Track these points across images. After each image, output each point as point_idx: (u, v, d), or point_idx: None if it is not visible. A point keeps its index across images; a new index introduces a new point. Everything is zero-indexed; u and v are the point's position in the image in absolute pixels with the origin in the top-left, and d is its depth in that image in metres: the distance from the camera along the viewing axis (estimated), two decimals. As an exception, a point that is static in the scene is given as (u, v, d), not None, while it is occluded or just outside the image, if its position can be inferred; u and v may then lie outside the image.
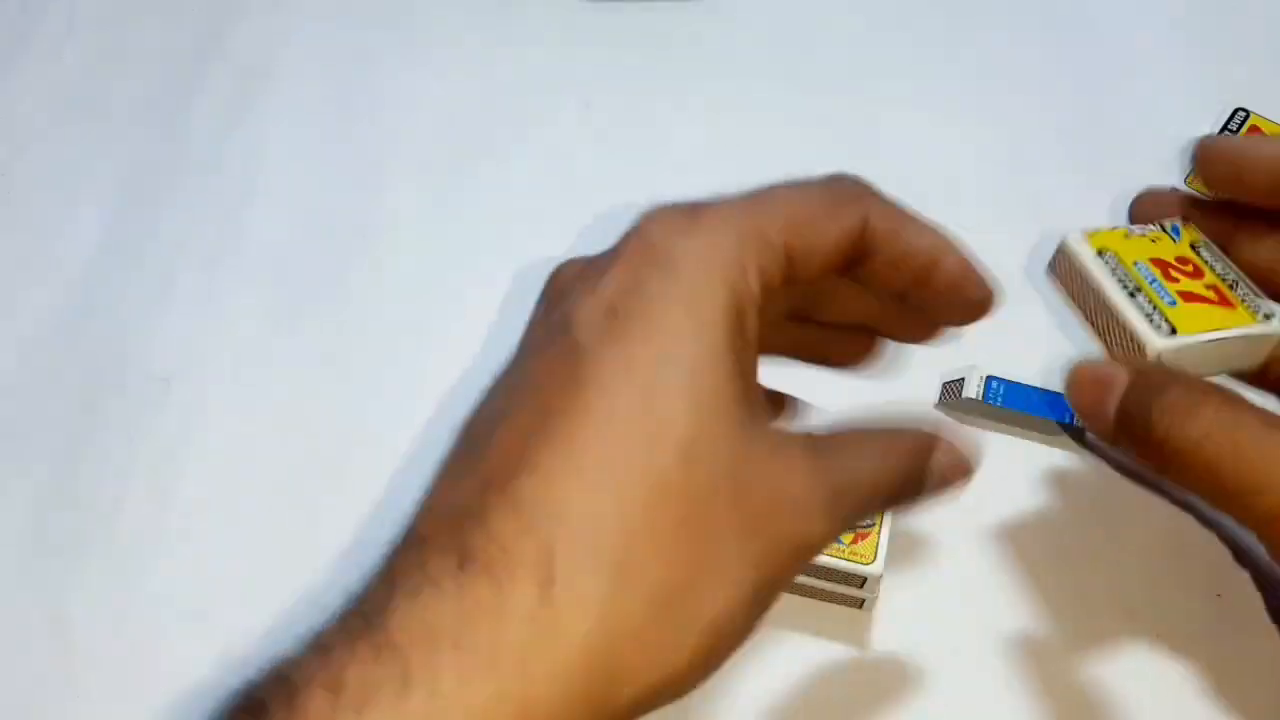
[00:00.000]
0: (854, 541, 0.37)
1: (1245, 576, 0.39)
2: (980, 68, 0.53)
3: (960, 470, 0.30)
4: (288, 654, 0.25)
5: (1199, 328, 0.32)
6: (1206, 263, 0.34)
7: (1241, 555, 0.39)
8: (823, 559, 0.36)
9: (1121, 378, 0.31)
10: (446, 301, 0.47)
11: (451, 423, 0.28)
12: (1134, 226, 0.35)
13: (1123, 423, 0.30)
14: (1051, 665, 0.38)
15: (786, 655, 0.39)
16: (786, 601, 0.37)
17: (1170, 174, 0.47)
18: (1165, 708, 0.37)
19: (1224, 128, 0.48)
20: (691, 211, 0.28)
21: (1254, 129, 0.48)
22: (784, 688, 0.38)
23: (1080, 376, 0.32)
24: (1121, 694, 0.38)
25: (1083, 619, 0.39)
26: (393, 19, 0.55)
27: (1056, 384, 0.42)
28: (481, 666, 0.24)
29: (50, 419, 0.45)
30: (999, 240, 0.48)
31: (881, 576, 0.37)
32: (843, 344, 0.34)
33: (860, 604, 0.39)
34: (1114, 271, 0.34)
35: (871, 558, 0.37)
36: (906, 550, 0.40)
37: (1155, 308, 0.33)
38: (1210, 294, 0.33)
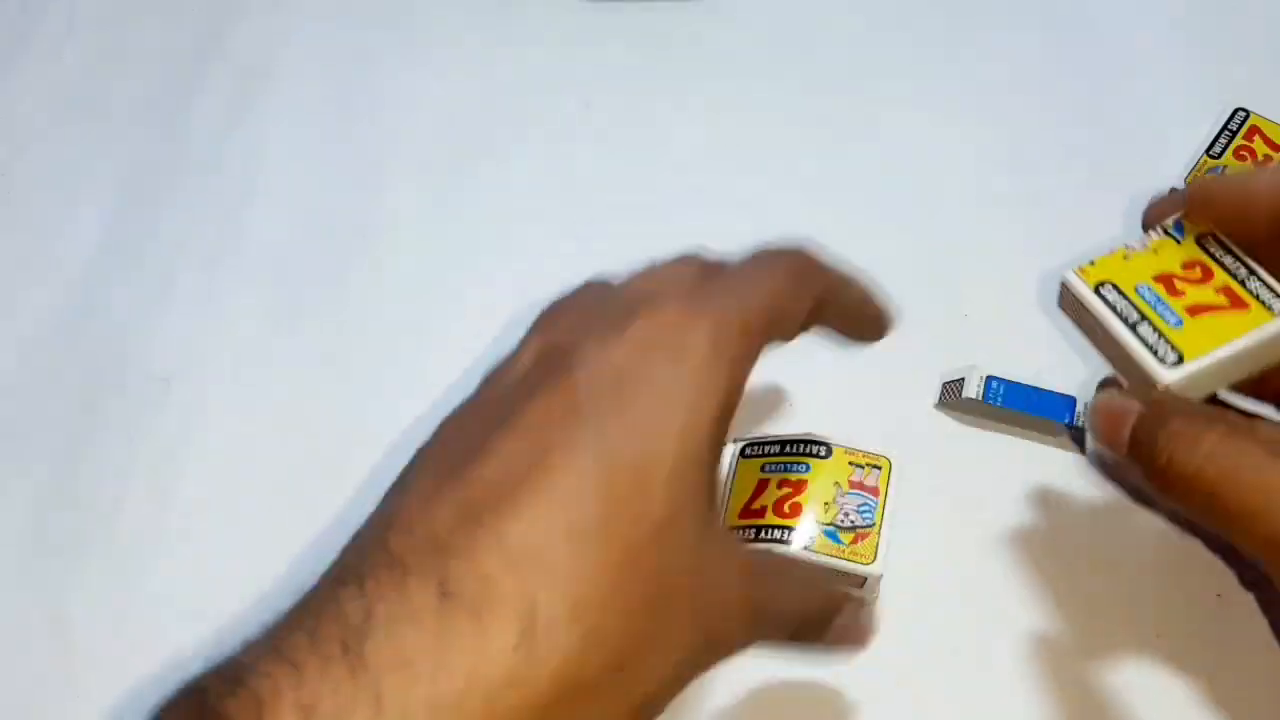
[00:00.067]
0: (854, 542, 0.36)
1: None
2: (980, 67, 0.53)
3: (856, 634, 0.33)
4: (242, 658, 0.25)
5: (1209, 345, 0.32)
6: (1215, 260, 0.33)
7: (1245, 577, 0.39)
8: (824, 559, 0.36)
9: (1134, 409, 0.32)
10: (446, 301, 0.47)
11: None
12: (1134, 242, 0.34)
13: (1133, 450, 0.32)
14: (1051, 665, 0.38)
15: (785, 656, 0.39)
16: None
17: (1169, 174, 0.47)
18: (1165, 708, 0.37)
19: (1224, 128, 0.48)
20: (696, 303, 0.30)
21: (1254, 129, 0.48)
22: (783, 687, 0.38)
23: (1100, 408, 0.33)
24: (1121, 694, 0.38)
25: (1083, 619, 0.39)
26: (393, 19, 0.55)
27: (1056, 384, 0.43)
28: (453, 697, 0.24)
29: (50, 419, 0.45)
30: (998, 240, 0.48)
31: (882, 577, 0.36)
32: None
33: (864, 600, 0.39)
34: (1115, 305, 0.33)
35: (871, 558, 0.36)
36: (906, 551, 0.40)
37: (1160, 335, 0.32)
38: (1221, 299, 0.32)
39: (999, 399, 0.41)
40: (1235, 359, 0.32)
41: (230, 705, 0.24)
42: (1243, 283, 0.33)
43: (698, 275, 0.32)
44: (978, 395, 0.42)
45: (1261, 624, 0.39)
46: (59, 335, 0.47)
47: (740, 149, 0.51)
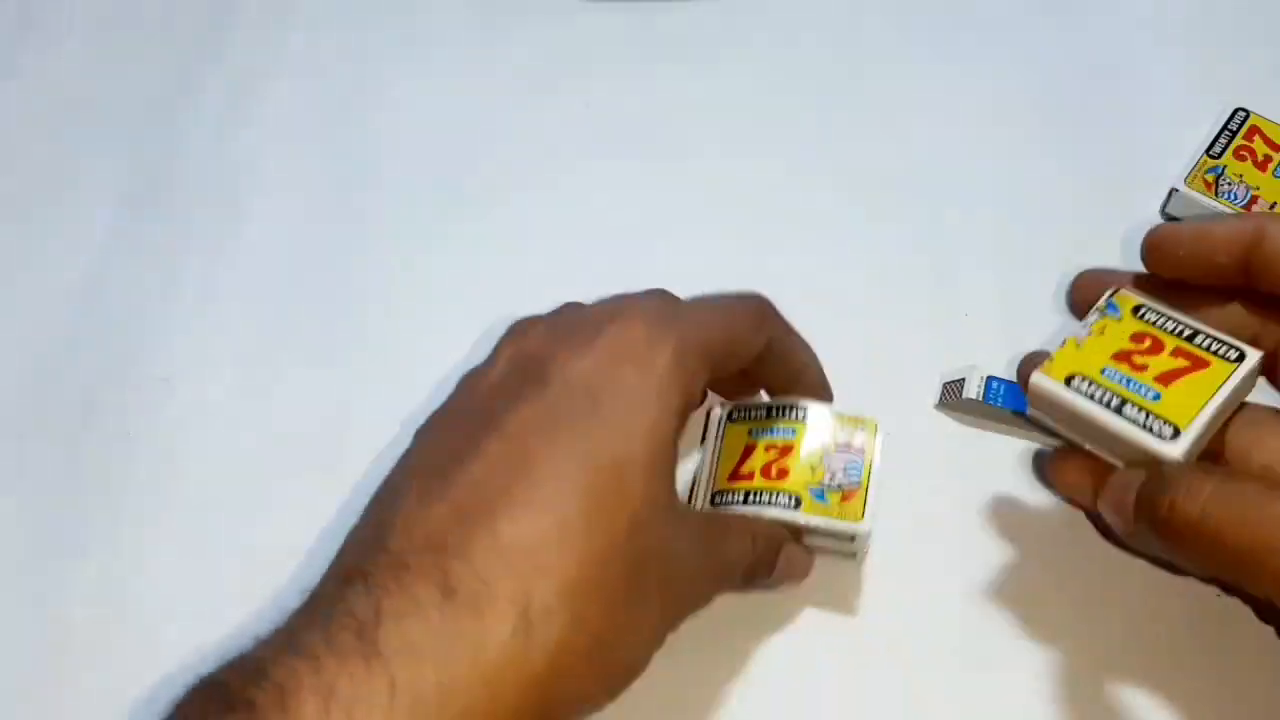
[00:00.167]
0: (842, 501, 0.37)
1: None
2: (980, 67, 0.53)
3: (797, 569, 0.38)
4: (258, 654, 0.28)
5: (1193, 408, 0.33)
6: (1157, 326, 0.35)
7: (1262, 613, 0.39)
8: (814, 520, 0.36)
9: (1137, 478, 0.33)
10: (447, 301, 0.47)
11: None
12: (1077, 330, 0.35)
13: (1139, 512, 0.33)
14: (1051, 665, 0.38)
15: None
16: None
17: (1167, 173, 0.47)
18: (1165, 707, 0.37)
19: (1224, 128, 0.48)
20: (663, 324, 0.33)
21: (1254, 129, 0.48)
22: (783, 688, 0.38)
23: (1109, 486, 0.35)
24: (1121, 693, 0.38)
25: (1082, 619, 0.39)
26: (392, 19, 0.55)
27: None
28: (459, 680, 0.27)
29: (50, 419, 0.45)
30: (999, 240, 0.48)
31: (870, 533, 0.37)
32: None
33: (854, 556, 0.39)
34: (1092, 395, 0.34)
35: (860, 516, 0.36)
36: (905, 551, 0.40)
37: (1147, 413, 0.33)
38: (1182, 361, 0.34)
39: (999, 399, 0.41)
40: (1218, 413, 0.33)
41: (254, 694, 0.26)
42: (1191, 341, 0.34)
43: (664, 302, 0.35)
44: (978, 395, 0.42)
45: (1261, 624, 0.39)
46: (59, 335, 0.47)
47: (740, 149, 0.51)
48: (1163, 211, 0.48)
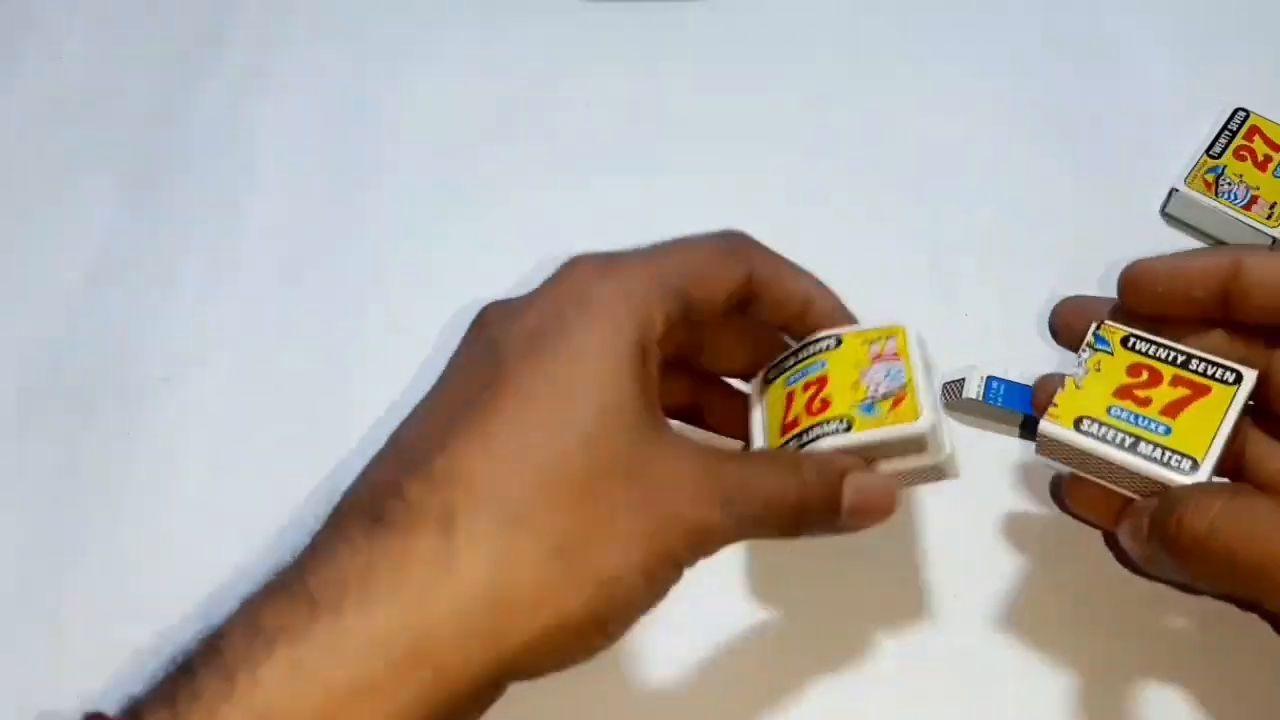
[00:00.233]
0: (893, 407, 0.33)
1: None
2: (980, 67, 0.53)
3: (874, 498, 0.33)
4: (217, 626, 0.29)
5: (1206, 437, 0.33)
6: (1150, 356, 0.35)
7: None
8: (870, 436, 0.33)
9: (1150, 505, 0.33)
10: (448, 300, 0.47)
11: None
12: (1074, 370, 0.35)
13: (1151, 533, 0.33)
14: (1051, 665, 0.38)
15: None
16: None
17: (1167, 173, 0.47)
18: (1165, 707, 0.37)
19: (1224, 128, 0.48)
20: (608, 260, 0.33)
21: (1254, 129, 0.48)
22: (784, 689, 0.38)
23: (1128, 514, 0.34)
24: (1122, 693, 0.38)
25: (1082, 619, 0.39)
26: (392, 19, 0.55)
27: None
28: (383, 601, 0.27)
29: (50, 419, 0.45)
30: (999, 240, 0.48)
31: (936, 426, 0.33)
32: (716, 406, 0.39)
33: (941, 475, 0.35)
34: (1104, 436, 0.34)
35: (916, 414, 0.33)
36: (905, 551, 0.40)
37: (1162, 448, 0.33)
38: (1183, 390, 0.34)
39: (999, 399, 0.41)
40: (1229, 438, 0.33)
41: (194, 656, 0.28)
42: (1186, 368, 0.34)
43: (616, 251, 0.34)
44: (978, 395, 0.42)
45: (1261, 624, 0.39)
46: (59, 335, 0.47)
47: (741, 149, 0.51)
48: (1163, 211, 0.48)
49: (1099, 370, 0.35)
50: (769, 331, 0.37)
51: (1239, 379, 0.34)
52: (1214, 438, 0.33)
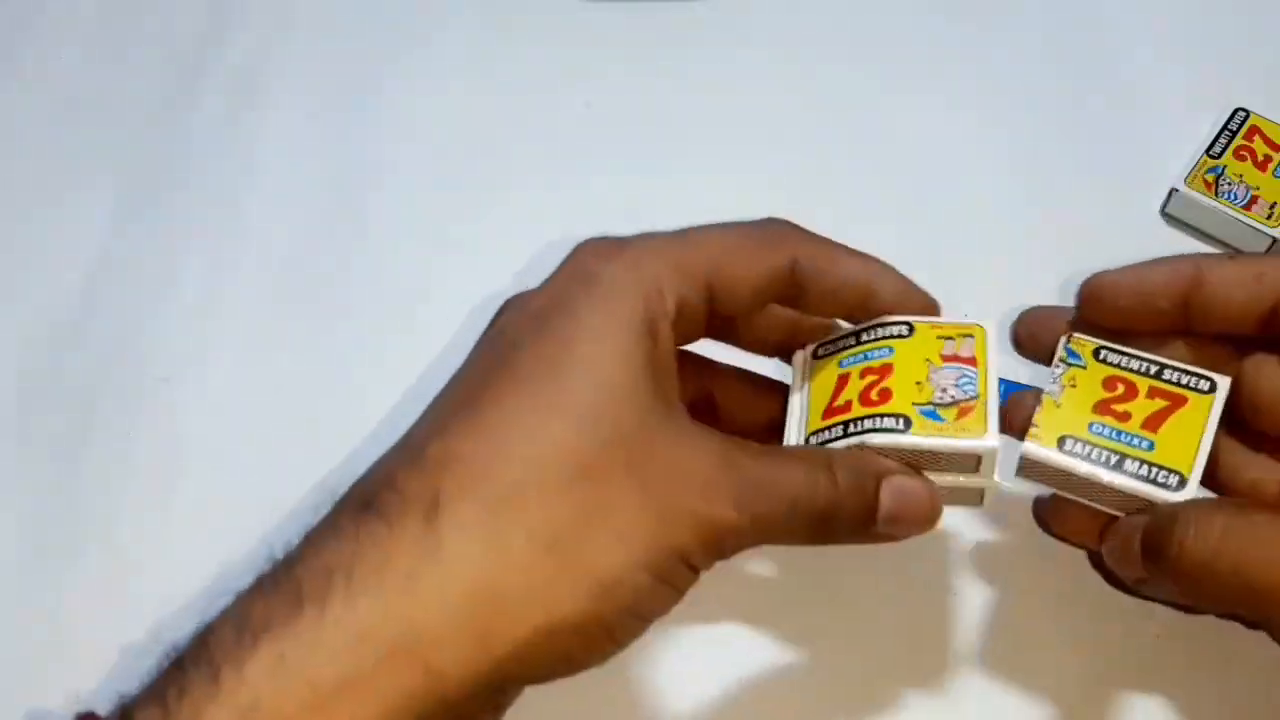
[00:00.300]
0: (959, 417, 0.31)
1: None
2: (981, 67, 0.53)
3: (914, 503, 0.31)
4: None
5: (1189, 449, 0.32)
6: (1124, 369, 0.34)
7: None
8: (929, 440, 0.31)
9: (1139, 523, 0.32)
10: (447, 301, 0.47)
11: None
12: (1050, 387, 0.34)
13: (1147, 556, 0.31)
14: (1051, 665, 0.38)
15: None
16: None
17: (1167, 173, 0.47)
18: (1165, 707, 0.37)
19: (1224, 128, 0.48)
20: (619, 242, 0.32)
21: (1254, 129, 0.48)
22: (785, 692, 0.38)
23: (1112, 535, 0.33)
24: (1121, 693, 0.38)
25: (1082, 618, 0.39)
26: (392, 19, 0.55)
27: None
28: (369, 592, 0.27)
29: (50, 419, 0.45)
30: (999, 239, 0.48)
31: (998, 451, 0.31)
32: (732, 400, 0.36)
33: (978, 501, 0.33)
34: (1087, 455, 0.33)
35: (984, 430, 0.30)
36: (904, 552, 0.40)
37: (1147, 464, 0.32)
38: (1161, 403, 0.33)
39: (1002, 400, 0.41)
40: (1210, 448, 0.33)
41: (185, 652, 0.27)
42: (1160, 378, 0.34)
43: (626, 237, 0.32)
44: (978, 395, 0.41)
45: (1259, 635, 0.38)
46: (59, 335, 0.47)
47: (741, 148, 0.51)
48: (1163, 211, 0.48)
49: (1074, 386, 0.34)
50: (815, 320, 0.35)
51: (1213, 387, 0.33)
52: (1197, 451, 0.32)
